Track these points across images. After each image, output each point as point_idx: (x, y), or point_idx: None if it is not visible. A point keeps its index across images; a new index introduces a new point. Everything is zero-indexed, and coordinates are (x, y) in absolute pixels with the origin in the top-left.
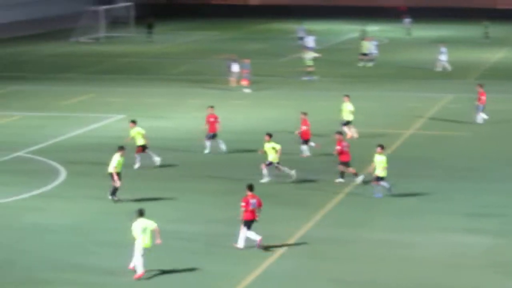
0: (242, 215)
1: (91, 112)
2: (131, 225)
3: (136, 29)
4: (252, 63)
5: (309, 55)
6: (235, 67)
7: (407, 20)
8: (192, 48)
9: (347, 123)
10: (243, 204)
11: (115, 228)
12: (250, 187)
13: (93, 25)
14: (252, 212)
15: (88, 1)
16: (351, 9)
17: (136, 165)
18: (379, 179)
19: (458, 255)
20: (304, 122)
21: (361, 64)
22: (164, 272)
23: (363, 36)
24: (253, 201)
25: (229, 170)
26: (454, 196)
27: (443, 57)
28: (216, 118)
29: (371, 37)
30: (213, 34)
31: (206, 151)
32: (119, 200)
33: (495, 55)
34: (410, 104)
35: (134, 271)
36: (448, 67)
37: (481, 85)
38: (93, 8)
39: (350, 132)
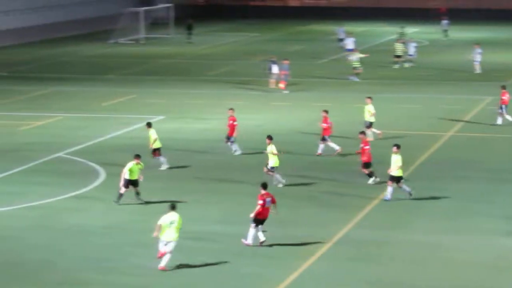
0: (255, 212)
1: (131, 113)
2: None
3: (176, 30)
4: (292, 64)
5: (356, 56)
6: (275, 69)
7: (444, 22)
8: (231, 49)
9: (370, 124)
10: (260, 202)
11: (152, 230)
12: (264, 186)
13: (133, 26)
14: (266, 210)
15: (128, 2)
16: (391, 10)
17: (164, 166)
18: (394, 178)
19: (499, 258)
20: (325, 120)
21: (396, 66)
22: (202, 273)
23: (399, 39)
24: (268, 199)
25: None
26: (495, 199)
27: (478, 58)
28: (234, 120)
29: (410, 38)
30: (253, 36)
31: (237, 152)
32: (119, 204)
33: None
34: (450, 106)
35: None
36: (478, 69)
37: (503, 86)
38: (133, 9)
39: (379, 132)
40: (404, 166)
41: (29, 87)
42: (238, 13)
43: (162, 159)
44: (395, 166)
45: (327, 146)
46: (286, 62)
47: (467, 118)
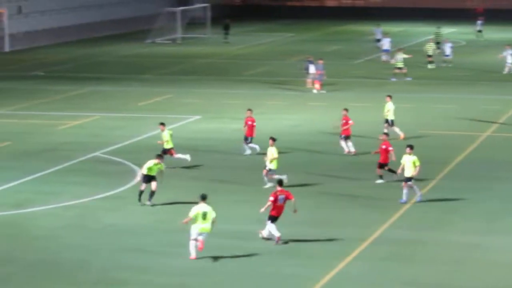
0: (265, 207)
1: (168, 113)
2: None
3: (212, 30)
4: (328, 64)
5: (400, 56)
6: (312, 69)
7: (479, 22)
8: (268, 50)
9: (392, 123)
10: (271, 199)
11: (188, 229)
12: (280, 182)
13: (170, 26)
14: (280, 207)
15: (165, 2)
16: (428, 10)
17: (187, 158)
18: (408, 180)
19: None
20: (346, 119)
21: (430, 66)
22: (238, 272)
23: (435, 39)
24: (281, 196)
25: (312, 171)
26: None
27: (510, 60)
28: (253, 121)
29: (446, 39)
30: (289, 36)
31: (247, 152)
32: (144, 205)
33: None
34: (486, 106)
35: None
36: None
37: None
38: (170, 9)
39: (401, 133)
40: (440, 166)
41: (66, 86)
42: (275, 13)
43: (180, 155)
44: (410, 167)
45: (344, 144)
46: (321, 62)
47: (503, 118)
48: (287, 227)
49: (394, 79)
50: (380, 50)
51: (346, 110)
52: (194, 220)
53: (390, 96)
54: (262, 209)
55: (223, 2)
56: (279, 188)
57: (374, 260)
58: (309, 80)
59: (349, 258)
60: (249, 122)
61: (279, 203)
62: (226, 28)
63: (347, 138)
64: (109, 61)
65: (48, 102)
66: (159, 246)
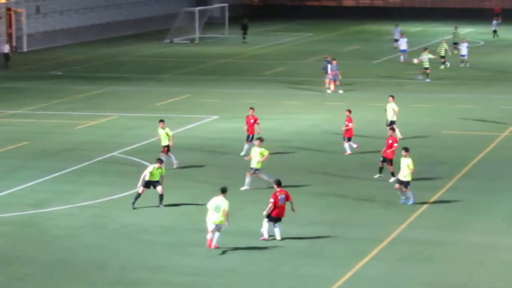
0: (269, 210)
1: (186, 113)
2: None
3: (230, 30)
4: (346, 64)
5: (425, 56)
6: (330, 68)
7: (494, 22)
8: (286, 49)
9: (392, 123)
10: (271, 200)
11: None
12: (278, 183)
13: (188, 26)
14: (281, 208)
15: (183, 2)
16: (446, 10)
17: (175, 165)
18: (402, 183)
19: None
20: (349, 120)
21: (442, 67)
22: (256, 272)
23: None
24: (281, 196)
25: (330, 171)
26: None
27: None
28: (256, 119)
29: (463, 39)
30: (307, 35)
31: (242, 153)
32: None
33: None
34: (504, 107)
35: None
36: None
37: None
38: (188, 9)
39: (399, 133)
40: (458, 167)
41: (84, 86)
42: (293, 13)
43: (173, 157)
44: (405, 170)
45: (348, 145)
46: (334, 62)
47: None
48: (303, 227)
49: (420, 77)
50: (397, 50)
51: (349, 111)
52: (209, 212)
53: (392, 97)
54: (264, 212)
55: (241, 2)
56: (278, 189)
57: (391, 260)
58: (327, 80)
59: (366, 259)
60: (252, 121)
61: (279, 203)
62: (244, 28)
63: (349, 139)
64: (127, 61)
65: (66, 102)
66: (175, 246)
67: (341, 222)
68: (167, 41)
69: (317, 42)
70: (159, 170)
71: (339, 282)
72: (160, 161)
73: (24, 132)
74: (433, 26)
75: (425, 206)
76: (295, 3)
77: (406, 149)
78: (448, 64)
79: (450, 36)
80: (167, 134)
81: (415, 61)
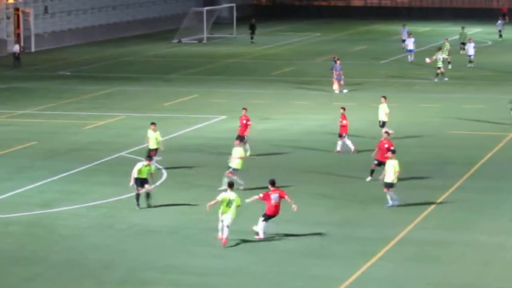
0: (252, 200)
1: (194, 113)
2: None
3: (238, 30)
4: (354, 64)
5: (439, 56)
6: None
7: (499, 22)
8: (294, 49)
9: (383, 124)
10: (260, 195)
11: (215, 229)
12: (272, 182)
13: (196, 26)
14: (276, 207)
15: (192, 2)
16: (455, 10)
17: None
18: (390, 185)
19: None
20: (343, 117)
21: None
22: (263, 272)
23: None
24: (274, 195)
25: (338, 171)
26: None
27: None
28: (248, 120)
29: (470, 39)
30: (315, 35)
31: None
32: (146, 207)
33: None
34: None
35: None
36: None
37: None
38: (196, 9)
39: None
40: (466, 167)
41: (92, 86)
42: (301, 13)
43: (157, 161)
44: (391, 172)
45: (344, 144)
46: (338, 62)
47: None
48: (311, 227)
49: (436, 80)
50: (404, 50)
51: (343, 108)
52: (219, 204)
53: (385, 98)
54: (248, 200)
55: (249, 2)
56: (271, 188)
57: (399, 260)
58: (341, 81)
59: (373, 259)
60: (244, 121)
61: (273, 202)
62: (252, 28)
63: (341, 136)
64: (135, 61)
65: (74, 102)
66: (183, 246)
67: (349, 222)
68: (175, 41)
69: (325, 42)
70: (148, 168)
71: (347, 282)
72: (149, 158)
73: (32, 132)
74: (441, 26)
75: (433, 206)
76: (303, 3)
77: (393, 151)
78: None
79: (457, 36)
80: (157, 138)
81: (428, 60)
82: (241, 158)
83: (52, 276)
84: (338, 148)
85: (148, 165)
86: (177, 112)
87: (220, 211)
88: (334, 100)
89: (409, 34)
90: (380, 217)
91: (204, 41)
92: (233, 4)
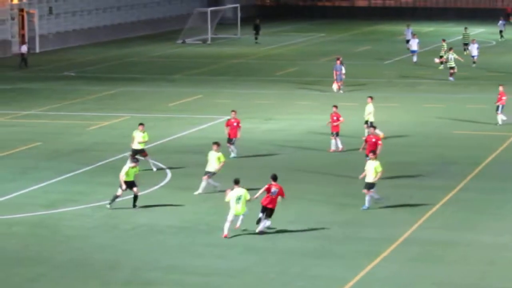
0: (260, 193)
1: (198, 114)
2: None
3: (243, 30)
4: (358, 64)
5: (452, 56)
6: (342, 69)
7: (500, 22)
8: (298, 50)
9: (371, 124)
10: (266, 187)
11: (218, 229)
12: (274, 177)
13: (200, 27)
14: (272, 200)
15: (195, 3)
16: (459, 10)
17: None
18: (370, 186)
19: None
20: (337, 115)
21: (441, 67)
22: (266, 272)
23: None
24: (274, 189)
25: (340, 171)
26: None
27: None
28: (238, 122)
29: (473, 39)
30: (319, 36)
31: (233, 155)
32: (113, 208)
33: None
34: None
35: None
36: None
37: (502, 85)
38: (200, 9)
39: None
40: (470, 167)
41: (96, 87)
42: (305, 13)
43: (151, 161)
44: (372, 173)
45: (338, 142)
46: (338, 62)
47: None
48: (314, 227)
49: (452, 79)
50: (409, 51)
51: (336, 107)
52: (231, 204)
53: (371, 98)
54: (255, 196)
55: (253, 3)
56: (273, 183)
57: (403, 260)
58: (341, 81)
59: (377, 259)
60: (235, 124)
61: (271, 195)
62: (256, 28)
63: (337, 134)
64: (140, 61)
65: (78, 102)
66: (187, 246)
67: (352, 222)
68: (179, 41)
69: (329, 42)
70: (134, 170)
71: (351, 283)
72: (135, 160)
73: (36, 133)
74: (445, 26)
75: (437, 206)
76: (308, 3)
77: (374, 152)
78: (442, 66)
79: (460, 37)
80: (144, 138)
81: (436, 60)
82: (220, 162)
83: (57, 276)
84: (333, 147)
85: (135, 167)
86: (182, 112)
87: (231, 210)
88: (337, 101)
89: (414, 35)
90: (383, 217)
91: (209, 42)
92: (238, 5)
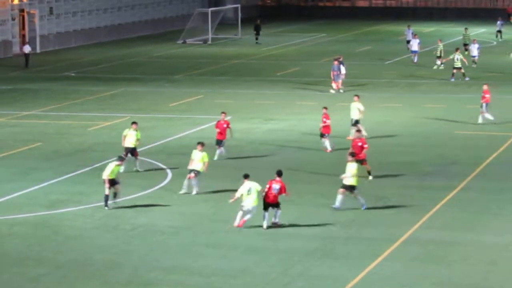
0: (264, 191)
1: (199, 114)
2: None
3: (243, 31)
4: (359, 65)
5: (458, 56)
6: (343, 69)
7: (498, 23)
8: (299, 50)
9: (356, 122)
10: (267, 186)
11: (219, 230)
12: (279, 173)
13: (201, 27)
14: (274, 196)
15: (196, 3)
16: (460, 10)
17: (141, 168)
18: (349, 187)
19: None
20: (326, 117)
21: (435, 67)
22: (267, 273)
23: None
24: (276, 186)
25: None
26: None
27: None
28: (228, 124)
29: (473, 40)
30: (320, 36)
31: (216, 158)
32: (113, 208)
33: None
34: None
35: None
36: None
37: (487, 84)
38: (201, 10)
39: (364, 131)
40: (471, 167)
41: (97, 87)
42: (306, 13)
43: (139, 161)
44: (350, 174)
45: (325, 142)
46: (335, 62)
47: None
48: (316, 227)
49: (467, 79)
50: (410, 51)
51: (326, 108)
52: (242, 198)
53: (358, 96)
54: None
55: (254, 3)
56: (277, 178)
57: (405, 260)
58: (340, 81)
59: (379, 259)
60: (224, 125)
61: (273, 191)
62: (257, 28)
63: (323, 136)
64: (141, 62)
65: (79, 103)
66: (188, 247)
67: (353, 222)
68: (180, 41)
69: (330, 42)
70: (118, 168)
71: (353, 282)
72: (121, 158)
73: (37, 133)
74: (446, 26)
75: (438, 206)
76: (308, 3)
77: (352, 154)
78: (442, 66)
79: (460, 37)
80: (137, 136)
81: (443, 61)
82: (204, 162)
83: (58, 276)
84: (329, 148)
85: (120, 165)
86: (183, 112)
87: (244, 203)
88: (338, 101)
89: (414, 35)
90: (385, 217)
91: (209, 42)
92: (238, 5)
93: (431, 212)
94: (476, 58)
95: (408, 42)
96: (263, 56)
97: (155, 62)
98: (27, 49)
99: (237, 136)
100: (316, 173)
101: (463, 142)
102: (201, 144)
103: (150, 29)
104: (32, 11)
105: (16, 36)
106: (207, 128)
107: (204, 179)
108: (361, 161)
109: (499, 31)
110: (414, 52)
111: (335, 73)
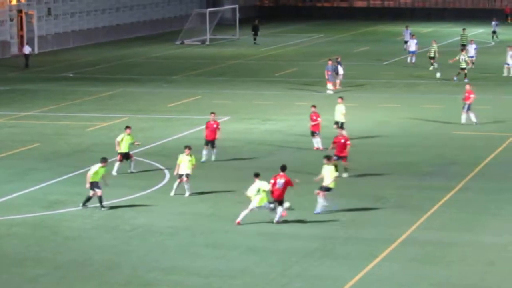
0: (270, 188)
1: (197, 114)
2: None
3: (241, 31)
4: (357, 65)
5: (462, 56)
6: (341, 69)
7: (493, 23)
8: (297, 50)
9: (342, 125)
10: (271, 181)
11: (218, 230)
12: (283, 168)
13: (199, 28)
14: (278, 191)
15: (194, 4)
16: (458, 11)
17: (134, 169)
18: (326, 189)
19: None
20: (316, 115)
21: (431, 68)
22: (266, 273)
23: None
24: (280, 180)
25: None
26: None
27: (509, 61)
28: (218, 124)
29: (471, 40)
30: (318, 37)
31: (202, 159)
32: (111, 209)
33: None
34: None
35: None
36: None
37: (469, 84)
38: (199, 10)
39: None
40: (470, 167)
41: (95, 88)
42: (304, 14)
43: (133, 163)
44: (327, 177)
45: (318, 140)
46: (330, 62)
47: None
48: (314, 227)
49: (455, 79)
50: (407, 52)
51: (314, 106)
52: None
53: (341, 98)
54: (267, 188)
55: (252, 3)
56: (281, 173)
57: (403, 261)
58: (337, 81)
59: (377, 259)
60: (214, 125)
61: (278, 186)
62: (255, 29)
63: (314, 133)
64: (139, 62)
65: (77, 103)
66: (187, 247)
67: (352, 222)
68: (177, 42)
69: (328, 43)
70: (103, 170)
71: (351, 283)
72: (104, 160)
73: (35, 134)
74: (444, 26)
75: (437, 206)
76: (306, 4)
77: (328, 158)
78: (436, 65)
79: (458, 38)
80: (131, 140)
81: (449, 61)
82: (191, 165)
83: (56, 277)
84: (318, 146)
85: (104, 166)
86: (181, 113)
87: (253, 202)
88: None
89: (412, 36)
90: (383, 217)
91: (207, 43)
92: (236, 6)
93: (429, 213)
94: (474, 58)
95: (406, 42)
96: (261, 56)
97: (153, 63)
98: (27, 49)
99: (235, 137)
100: (314, 173)
101: (461, 143)
102: (189, 147)
103: (148, 29)
104: (30, 12)
105: (14, 36)
106: (205, 129)
107: (204, 179)
108: (342, 158)
109: (494, 32)
110: (412, 52)
111: (329, 73)
